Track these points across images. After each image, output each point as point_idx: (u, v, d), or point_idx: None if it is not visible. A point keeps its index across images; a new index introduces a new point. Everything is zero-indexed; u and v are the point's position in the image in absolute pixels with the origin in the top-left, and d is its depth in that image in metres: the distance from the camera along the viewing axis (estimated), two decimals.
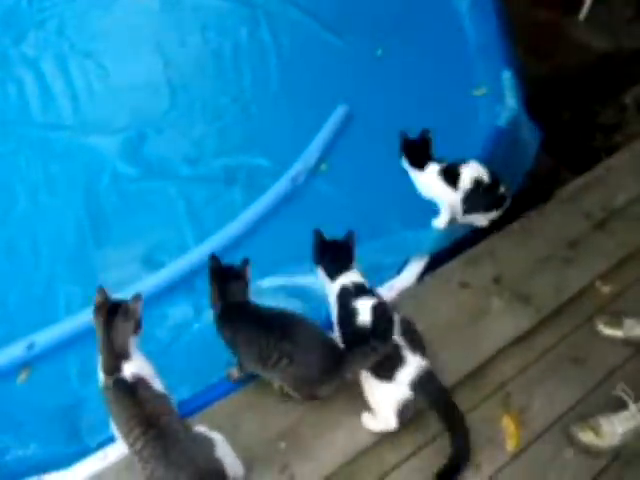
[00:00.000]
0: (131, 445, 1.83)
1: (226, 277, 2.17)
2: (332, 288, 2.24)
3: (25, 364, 2.53)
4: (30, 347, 2.52)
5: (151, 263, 2.89)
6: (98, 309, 1.95)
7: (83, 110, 3.58)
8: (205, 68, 3.87)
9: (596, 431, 2.13)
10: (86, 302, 2.63)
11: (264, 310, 2.20)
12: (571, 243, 2.76)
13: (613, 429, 2.12)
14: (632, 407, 2.14)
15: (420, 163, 2.70)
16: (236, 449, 1.97)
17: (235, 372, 2.28)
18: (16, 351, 2.53)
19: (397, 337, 2.07)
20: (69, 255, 2.96)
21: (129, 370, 1.90)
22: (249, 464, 2.03)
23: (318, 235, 2.27)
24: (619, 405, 2.18)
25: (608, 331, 2.46)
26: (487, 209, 2.70)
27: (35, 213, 3.13)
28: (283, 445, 2.13)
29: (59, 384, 2.52)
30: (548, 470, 2.13)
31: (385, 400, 2.07)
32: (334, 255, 2.25)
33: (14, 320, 2.72)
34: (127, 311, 1.94)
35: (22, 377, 2.51)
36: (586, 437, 2.14)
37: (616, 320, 2.46)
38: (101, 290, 1.98)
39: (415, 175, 2.74)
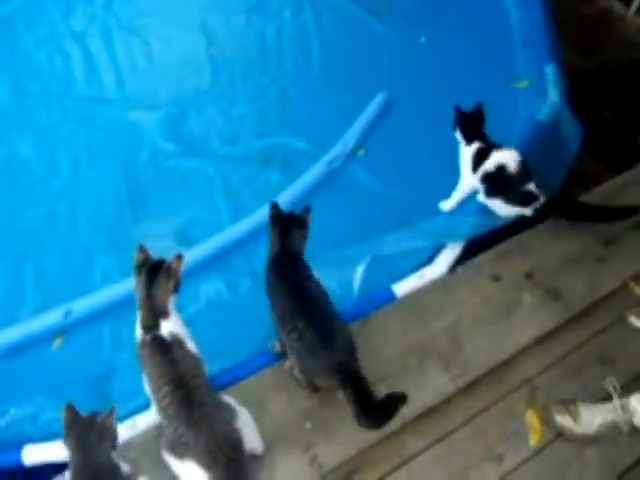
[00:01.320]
0: (159, 401, 1.89)
1: (287, 223, 2.20)
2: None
3: (61, 331, 2.60)
4: (67, 314, 2.58)
5: (186, 239, 2.94)
6: (139, 267, 1.99)
7: (126, 85, 3.62)
8: (247, 49, 3.87)
9: (574, 417, 2.15)
10: (122, 273, 2.72)
11: (308, 277, 2.17)
12: (606, 242, 2.73)
13: (592, 419, 2.14)
14: (616, 402, 2.15)
15: (470, 137, 2.71)
16: (261, 427, 2.01)
17: (277, 345, 2.30)
18: (53, 318, 2.61)
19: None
20: (107, 227, 3.02)
21: (167, 328, 1.95)
22: (274, 442, 2.07)
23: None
24: (605, 397, 2.19)
25: (638, 323, 2.46)
26: (507, 200, 2.64)
27: (76, 184, 3.19)
28: (308, 425, 2.16)
29: (93, 352, 2.59)
30: (569, 468, 2.14)
31: None
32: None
33: (52, 288, 2.79)
34: (169, 270, 1.99)
35: (57, 343, 2.59)
36: (563, 420, 2.16)
37: None
38: (142, 248, 2.02)
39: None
